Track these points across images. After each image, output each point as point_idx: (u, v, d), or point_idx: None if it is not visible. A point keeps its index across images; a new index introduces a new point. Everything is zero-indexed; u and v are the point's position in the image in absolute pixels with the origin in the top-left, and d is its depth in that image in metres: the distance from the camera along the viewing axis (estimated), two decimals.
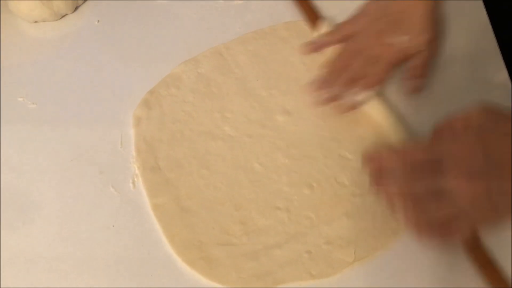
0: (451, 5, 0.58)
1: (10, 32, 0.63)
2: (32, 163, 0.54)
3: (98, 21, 0.63)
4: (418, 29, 0.51)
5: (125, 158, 0.53)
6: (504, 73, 0.56)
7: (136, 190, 0.51)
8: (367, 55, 0.52)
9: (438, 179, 0.39)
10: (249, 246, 0.47)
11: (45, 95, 0.58)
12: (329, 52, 0.55)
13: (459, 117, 0.40)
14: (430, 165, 0.40)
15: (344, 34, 0.54)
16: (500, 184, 0.37)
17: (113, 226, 0.49)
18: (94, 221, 0.50)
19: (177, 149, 0.52)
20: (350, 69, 0.52)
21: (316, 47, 0.55)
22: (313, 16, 0.59)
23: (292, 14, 0.60)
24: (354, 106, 0.52)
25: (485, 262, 0.44)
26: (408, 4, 0.52)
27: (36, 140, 0.55)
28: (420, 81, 0.53)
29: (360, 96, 0.51)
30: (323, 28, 0.56)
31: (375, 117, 0.51)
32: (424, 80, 0.53)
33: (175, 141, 0.52)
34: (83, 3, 0.64)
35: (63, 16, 0.64)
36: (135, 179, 0.52)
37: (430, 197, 0.39)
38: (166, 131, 0.53)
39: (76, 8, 0.64)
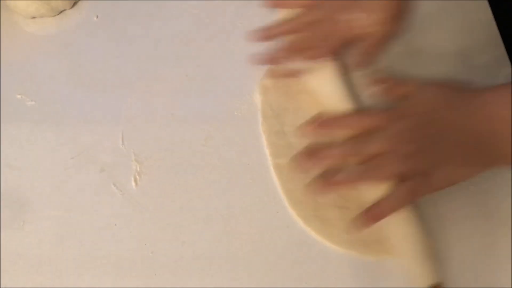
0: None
1: (7, 28, 0.61)
2: (31, 161, 0.53)
3: (97, 16, 0.62)
4: (376, 7, 0.50)
5: (126, 155, 0.52)
6: (508, 69, 0.55)
7: (138, 188, 0.51)
8: (321, 29, 0.52)
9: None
10: None
11: (44, 92, 0.57)
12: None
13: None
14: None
15: (303, 21, 0.52)
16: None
17: (115, 225, 0.49)
18: (96, 220, 0.49)
19: (302, 118, 0.52)
20: (299, 37, 0.52)
21: (267, 35, 0.53)
22: None
23: None
24: (293, 74, 0.53)
25: None
26: None
27: (35, 138, 0.54)
28: (368, 57, 0.52)
29: (302, 65, 0.52)
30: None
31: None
32: (371, 57, 0.52)
33: (300, 111, 0.54)
34: None
35: (61, 12, 0.62)
36: (137, 177, 0.51)
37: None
38: (292, 101, 0.54)
39: (75, 4, 0.63)
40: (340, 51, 0.52)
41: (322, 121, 0.47)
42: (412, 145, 0.43)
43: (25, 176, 0.52)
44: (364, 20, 0.50)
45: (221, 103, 0.55)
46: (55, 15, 0.62)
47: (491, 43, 0.57)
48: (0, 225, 0.50)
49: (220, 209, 0.49)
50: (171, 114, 0.55)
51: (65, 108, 0.56)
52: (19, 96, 0.57)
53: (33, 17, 0.62)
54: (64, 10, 0.63)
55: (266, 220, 0.49)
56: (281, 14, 0.56)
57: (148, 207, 0.50)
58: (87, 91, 0.57)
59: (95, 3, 0.63)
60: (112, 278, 0.47)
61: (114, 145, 0.53)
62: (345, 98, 0.52)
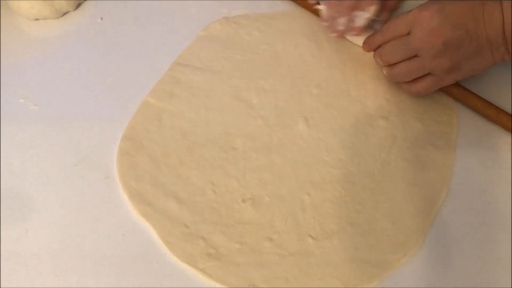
0: None
1: (10, 30, 0.60)
2: (34, 168, 0.51)
3: (101, 18, 0.61)
4: None
5: None
6: None
7: None
8: None
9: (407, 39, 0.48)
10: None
11: (47, 96, 0.55)
12: None
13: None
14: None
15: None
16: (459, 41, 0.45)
17: (123, 236, 0.47)
18: (102, 230, 0.48)
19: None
20: None
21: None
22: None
23: None
24: (363, 28, 0.54)
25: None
26: None
27: (38, 144, 0.53)
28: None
29: (364, 15, 0.53)
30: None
31: None
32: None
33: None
34: (85, 0, 0.62)
35: (64, 14, 0.61)
36: None
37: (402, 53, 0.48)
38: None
39: (78, 6, 0.62)
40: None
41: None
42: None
43: (27, 183, 0.51)
44: None
45: None
46: (58, 17, 0.61)
47: None
48: (1, 226, 0.48)
49: None
50: None
51: (68, 113, 0.54)
52: (21, 101, 0.55)
53: (36, 19, 0.60)
54: (68, 12, 0.61)
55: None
56: None
57: None
58: (91, 95, 0.55)
59: (100, 5, 0.62)
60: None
61: None
62: None
